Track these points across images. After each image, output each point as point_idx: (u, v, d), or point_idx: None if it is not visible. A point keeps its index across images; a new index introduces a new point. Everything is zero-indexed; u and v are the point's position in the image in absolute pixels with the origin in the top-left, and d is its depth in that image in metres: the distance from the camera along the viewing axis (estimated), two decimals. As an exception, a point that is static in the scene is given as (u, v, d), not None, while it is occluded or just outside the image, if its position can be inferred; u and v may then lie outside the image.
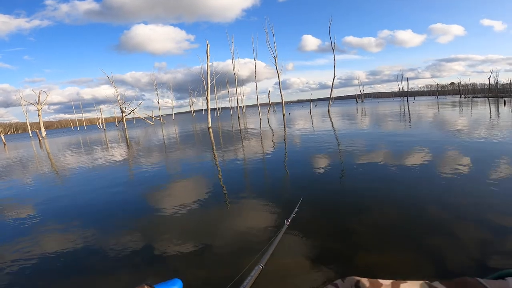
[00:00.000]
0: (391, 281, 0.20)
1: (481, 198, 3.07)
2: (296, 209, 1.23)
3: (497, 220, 2.49)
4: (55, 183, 6.26)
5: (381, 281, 0.20)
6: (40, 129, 35.26)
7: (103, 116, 53.94)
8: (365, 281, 0.20)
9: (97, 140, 19.10)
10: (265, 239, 2.49)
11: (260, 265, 0.65)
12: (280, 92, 27.76)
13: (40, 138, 28.67)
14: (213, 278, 1.99)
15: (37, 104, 36.69)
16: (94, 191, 5.03)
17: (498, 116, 12.34)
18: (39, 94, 36.81)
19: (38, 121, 37.84)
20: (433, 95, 77.48)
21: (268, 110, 29.89)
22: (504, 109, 15.88)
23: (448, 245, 2.16)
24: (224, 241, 2.59)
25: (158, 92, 49.18)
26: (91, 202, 4.33)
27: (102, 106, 55.89)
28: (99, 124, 55.97)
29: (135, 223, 3.27)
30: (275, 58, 26.86)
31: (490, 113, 14.15)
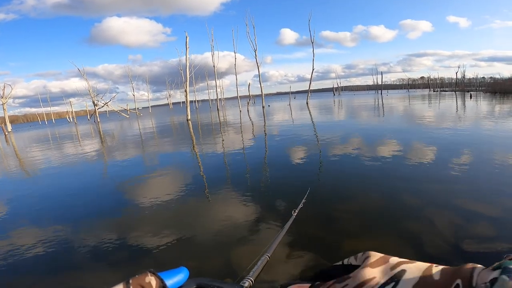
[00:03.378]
0: (399, 259, 0.21)
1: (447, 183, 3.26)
2: (303, 200, 1.24)
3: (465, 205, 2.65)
4: (25, 179, 5.86)
5: (390, 258, 0.21)
6: (5, 124, 32.89)
7: (74, 110, 51.06)
8: (374, 256, 0.22)
9: (68, 134, 18.11)
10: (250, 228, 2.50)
11: (267, 255, 0.64)
12: (260, 84, 27.70)
13: (6, 133, 26.83)
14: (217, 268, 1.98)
15: (2, 97, 34.18)
16: (68, 187, 4.77)
17: (464, 109, 13.14)
18: (4, 87, 34.36)
19: (2, 115, 35.29)
20: (404, 89, 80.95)
21: (248, 103, 29.82)
22: (470, 102, 16.93)
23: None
24: (210, 230, 2.56)
25: (133, 84, 47.37)
26: (66, 199, 4.11)
27: (72, 99, 52.66)
28: (69, 117, 53.03)
29: (115, 220, 3.14)
30: (255, 50, 26.69)
31: (457, 106, 15.02)
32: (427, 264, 0.20)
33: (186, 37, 20.17)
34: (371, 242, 2.19)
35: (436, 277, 0.19)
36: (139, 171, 5.45)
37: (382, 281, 0.19)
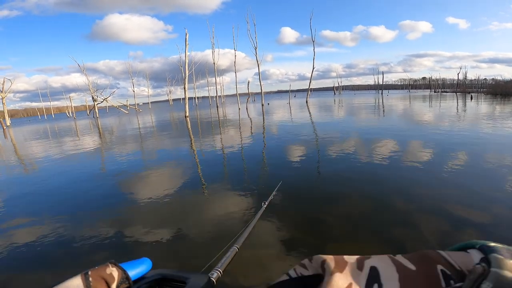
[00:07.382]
0: (356, 257, 0.19)
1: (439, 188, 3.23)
2: (274, 193, 1.23)
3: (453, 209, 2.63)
4: (23, 174, 5.83)
5: (346, 257, 0.19)
6: (4, 118, 32.83)
7: (73, 105, 50.95)
8: (330, 259, 0.19)
9: (67, 129, 18.07)
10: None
11: (236, 247, 0.62)
12: (260, 82, 27.60)
13: (5, 127, 26.79)
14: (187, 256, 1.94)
15: (1, 92, 34.18)
16: (66, 181, 4.74)
17: (465, 110, 13.10)
18: (3, 82, 34.43)
19: (2, 109, 35.28)
20: (405, 89, 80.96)
21: (247, 100, 29.74)
22: (471, 104, 16.88)
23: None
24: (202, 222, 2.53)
25: (134, 80, 47.25)
26: (63, 192, 4.08)
27: (72, 94, 52.71)
28: (68, 112, 52.97)
29: (113, 214, 3.11)
30: (255, 48, 26.55)
31: (457, 107, 14.97)
32: (384, 256, 0.19)
33: (186, 33, 20.06)
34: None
35: (411, 267, 0.17)
36: (130, 165, 5.42)
37: (363, 286, 0.17)
